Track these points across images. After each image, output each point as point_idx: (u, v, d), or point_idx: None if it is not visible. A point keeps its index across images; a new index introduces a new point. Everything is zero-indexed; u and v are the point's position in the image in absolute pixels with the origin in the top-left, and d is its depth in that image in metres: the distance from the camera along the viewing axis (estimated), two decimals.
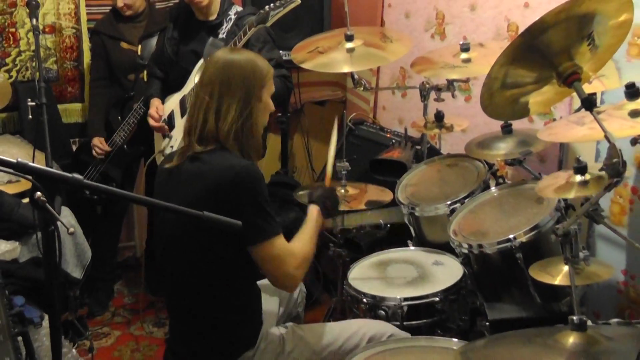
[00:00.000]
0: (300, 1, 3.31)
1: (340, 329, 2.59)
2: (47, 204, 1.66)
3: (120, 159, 4.30)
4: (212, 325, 2.43)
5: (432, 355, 2.40)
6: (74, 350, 3.14)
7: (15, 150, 4.25)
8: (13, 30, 4.60)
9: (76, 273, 3.94)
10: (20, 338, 1.90)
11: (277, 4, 3.31)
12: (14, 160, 1.64)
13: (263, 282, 2.57)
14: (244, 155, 2.45)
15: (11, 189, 3.73)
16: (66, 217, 3.92)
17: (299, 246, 2.47)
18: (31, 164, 1.65)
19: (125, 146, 4.25)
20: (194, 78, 3.67)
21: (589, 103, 1.99)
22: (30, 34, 4.57)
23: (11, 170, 1.65)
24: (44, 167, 1.66)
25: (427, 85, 3.51)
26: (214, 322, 2.42)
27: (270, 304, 2.76)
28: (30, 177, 1.66)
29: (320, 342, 2.54)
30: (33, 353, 1.77)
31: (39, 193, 1.65)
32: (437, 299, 2.76)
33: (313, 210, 2.65)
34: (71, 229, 1.66)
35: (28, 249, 3.57)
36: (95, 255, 4.13)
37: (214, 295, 2.35)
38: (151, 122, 3.83)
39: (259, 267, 2.40)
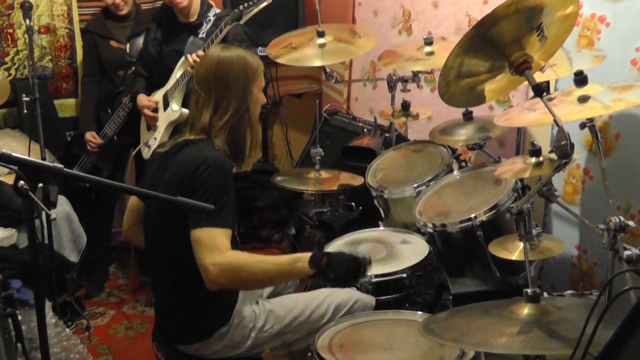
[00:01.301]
0: (270, 0, 3.27)
1: (308, 299, 2.53)
2: (31, 192, 1.63)
3: (111, 149, 4.26)
4: (187, 302, 2.40)
5: (399, 327, 2.39)
6: (67, 330, 3.10)
7: (15, 144, 4.19)
8: (11, 31, 4.53)
9: (73, 257, 3.90)
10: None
11: (250, 2, 3.30)
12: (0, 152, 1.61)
13: None
14: (235, 149, 2.42)
15: (11, 180, 3.67)
16: (62, 205, 3.88)
17: (243, 256, 2.27)
18: (15, 154, 1.62)
19: (115, 138, 4.20)
20: (176, 74, 3.65)
21: (538, 90, 1.96)
22: (27, 34, 4.50)
23: None
24: (26, 157, 1.63)
25: (394, 77, 3.49)
26: (189, 299, 2.38)
27: None
28: (14, 167, 1.63)
29: (289, 314, 2.48)
30: (21, 333, 1.74)
31: (22, 182, 1.62)
32: (405, 275, 2.73)
33: (304, 262, 2.26)
34: (53, 216, 1.63)
35: (26, 236, 3.52)
36: (90, 240, 4.11)
37: (188, 273, 2.29)
38: (147, 112, 3.82)
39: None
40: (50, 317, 2.98)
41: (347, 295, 2.54)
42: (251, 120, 2.48)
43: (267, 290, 2.72)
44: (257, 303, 2.51)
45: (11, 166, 1.62)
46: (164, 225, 2.39)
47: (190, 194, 2.20)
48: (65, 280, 3.83)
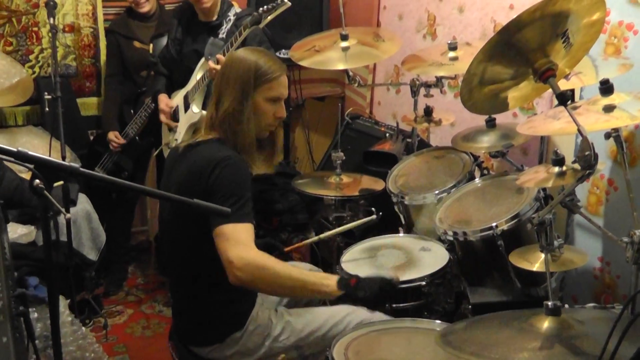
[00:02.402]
0: (290, 4, 3.25)
1: (328, 315, 2.46)
2: (46, 191, 1.62)
3: (132, 149, 4.28)
4: (202, 304, 2.38)
5: (417, 336, 2.33)
6: (83, 328, 3.10)
7: (37, 141, 4.22)
8: (36, 29, 4.57)
9: (92, 255, 3.92)
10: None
11: (270, 6, 3.27)
12: (15, 149, 1.60)
13: None
14: (237, 149, 2.38)
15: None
16: (82, 204, 3.90)
17: (270, 258, 2.24)
18: (31, 152, 1.60)
19: (136, 138, 4.21)
20: (196, 75, 3.65)
21: (562, 98, 1.92)
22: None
23: (12, 159, 1.62)
24: (42, 155, 1.61)
25: (417, 82, 3.45)
26: (204, 301, 2.36)
27: None
28: (30, 166, 1.63)
29: (306, 327, 2.44)
30: (33, 332, 1.73)
31: (37, 180, 1.61)
32: (424, 282, 2.67)
33: (332, 281, 2.24)
34: (68, 215, 1.62)
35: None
36: (110, 239, 4.13)
37: (204, 275, 2.28)
38: (162, 117, 3.82)
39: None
40: (66, 315, 2.98)
41: (369, 315, 2.46)
42: (247, 125, 2.38)
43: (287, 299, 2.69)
44: (276, 311, 2.48)
45: (27, 164, 1.61)
46: (180, 226, 2.37)
47: (208, 195, 2.19)
48: (83, 278, 3.84)
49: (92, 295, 3.97)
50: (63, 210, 1.65)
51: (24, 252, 3.18)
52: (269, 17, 3.28)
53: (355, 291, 2.21)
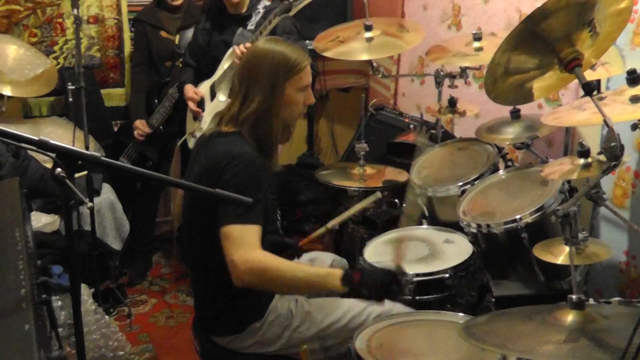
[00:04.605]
0: None
1: (348, 305, 2.44)
2: (67, 180, 1.63)
3: (157, 139, 4.30)
4: (221, 294, 2.37)
5: (440, 328, 2.32)
6: (106, 317, 3.13)
7: (61, 131, 4.25)
8: (60, 20, 4.60)
9: (116, 245, 3.95)
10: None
11: None
12: (37, 138, 1.61)
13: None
14: (259, 144, 2.36)
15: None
16: (106, 193, 3.93)
17: (274, 258, 2.20)
18: (52, 141, 1.61)
19: (161, 127, 4.23)
20: (224, 65, 3.65)
21: (588, 88, 1.88)
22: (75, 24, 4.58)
23: (34, 148, 1.63)
24: (63, 144, 1.62)
25: (441, 73, 3.42)
26: (224, 291, 2.34)
27: None
28: (52, 155, 1.63)
29: (326, 318, 2.42)
30: (55, 321, 1.75)
31: (59, 169, 1.61)
32: (447, 275, 2.66)
33: (336, 279, 2.18)
34: (89, 204, 1.62)
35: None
36: (134, 229, 4.16)
37: (222, 265, 2.27)
38: (191, 105, 3.83)
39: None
40: (90, 304, 3.00)
41: (389, 305, 2.44)
42: (277, 119, 2.38)
43: None
44: (296, 301, 2.46)
45: (49, 153, 1.62)
46: (199, 216, 2.36)
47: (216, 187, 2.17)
48: (108, 267, 3.88)
49: (116, 285, 4.01)
50: (85, 199, 1.64)
51: (48, 240, 3.21)
52: (300, 6, 3.27)
53: (359, 287, 2.17)
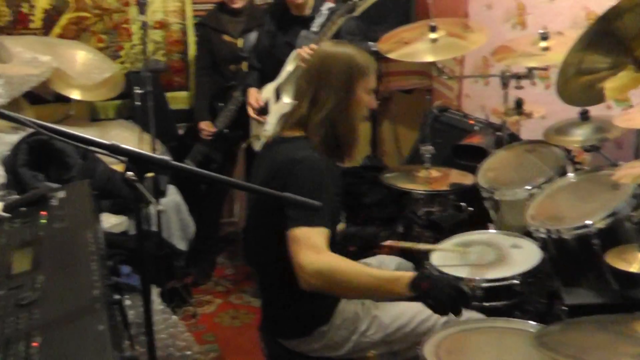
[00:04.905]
0: None
1: (416, 310, 2.40)
2: (138, 183, 1.65)
3: (221, 142, 4.34)
4: (288, 297, 2.36)
5: (509, 336, 2.25)
6: (174, 316, 3.17)
7: (127, 134, 4.33)
8: (126, 26, 4.71)
9: (181, 245, 4.01)
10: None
11: None
12: (109, 143, 1.65)
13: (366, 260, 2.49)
14: (328, 148, 2.35)
15: (123, 169, 3.80)
16: (172, 195, 3.99)
17: (342, 260, 2.17)
18: (123, 146, 1.65)
19: (225, 130, 4.27)
20: (288, 68, 3.67)
21: None
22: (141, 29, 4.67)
23: (106, 152, 1.66)
24: (134, 149, 1.65)
25: (507, 74, 3.37)
26: (290, 294, 2.33)
27: None
28: (123, 158, 1.66)
29: (394, 322, 2.39)
30: (127, 321, 1.78)
31: (130, 172, 1.64)
32: (517, 281, 2.58)
33: (403, 284, 2.14)
34: (160, 207, 1.65)
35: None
36: (199, 229, 4.21)
37: (289, 268, 2.25)
38: (250, 111, 3.87)
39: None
40: (157, 304, 3.05)
41: None
42: (350, 121, 2.38)
43: None
44: (363, 305, 2.44)
45: (120, 157, 1.65)
46: (266, 219, 2.36)
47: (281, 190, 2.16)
48: (173, 267, 3.94)
49: (181, 285, 4.07)
50: (157, 202, 1.67)
51: (117, 241, 3.27)
52: (364, 6, 3.27)
53: (425, 296, 2.12)
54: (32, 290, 1.69)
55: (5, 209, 2.22)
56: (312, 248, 2.15)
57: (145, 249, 3.14)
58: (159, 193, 3.76)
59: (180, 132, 4.76)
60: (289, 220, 2.20)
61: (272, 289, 2.46)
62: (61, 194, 2.34)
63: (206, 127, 4.32)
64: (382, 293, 2.28)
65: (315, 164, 2.27)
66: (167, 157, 1.66)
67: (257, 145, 3.89)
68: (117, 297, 1.73)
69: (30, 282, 1.75)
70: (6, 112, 1.56)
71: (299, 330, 2.39)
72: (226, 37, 4.41)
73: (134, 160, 1.64)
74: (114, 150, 1.63)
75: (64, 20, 4.61)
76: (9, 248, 1.98)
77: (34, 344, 1.47)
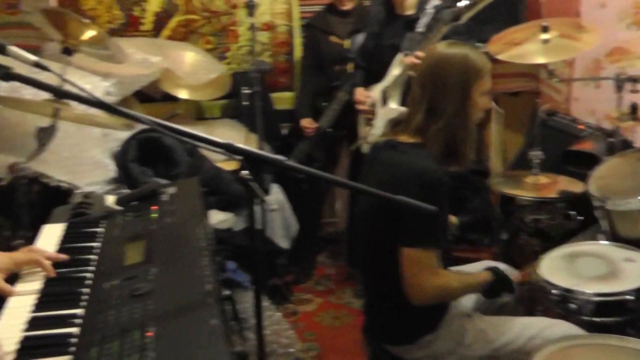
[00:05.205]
0: None
1: (523, 326, 2.35)
2: (252, 182, 1.68)
3: (324, 141, 4.38)
4: (394, 303, 2.33)
5: (623, 356, 2.12)
6: (278, 313, 3.21)
7: (232, 133, 4.42)
8: (234, 28, 4.81)
9: (284, 243, 4.06)
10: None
11: (472, 1, 3.18)
12: (225, 142, 1.67)
13: (465, 267, 2.46)
14: (447, 156, 2.29)
15: (228, 166, 3.89)
16: (276, 194, 4.05)
17: (452, 280, 2.32)
18: (239, 145, 1.67)
19: (328, 130, 4.29)
20: (393, 72, 3.65)
21: None
22: (248, 31, 4.73)
23: (222, 151, 1.69)
24: (250, 148, 1.67)
25: (622, 76, 3.23)
26: (396, 300, 2.30)
27: None
28: (239, 157, 1.69)
29: (500, 338, 2.34)
30: (238, 316, 1.81)
31: (244, 171, 1.67)
32: (631, 297, 2.43)
33: (487, 278, 2.40)
34: (273, 206, 1.67)
35: (241, 220, 3.71)
36: (301, 228, 4.25)
37: (397, 274, 2.25)
38: (360, 107, 3.86)
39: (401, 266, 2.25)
40: (262, 300, 3.08)
41: (565, 327, 2.35)
42: (469, 127, 2.31)
43: (480, 304, 2.60)
44: (470, 317, 2.41)
45: (236, 156, 1.67)
46: (376, 223, 2.34)
47: (401, 207, 2.14)
48: (275, 265, 3.99)
49: (282, 282, 4.11)
50: (269, 200, 1.69)
51: (223, 237, 3.34)
52: (469, 14, 3.21)
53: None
54: (145, 282, 1.75)
55: (118, 202, 2.30)
56: (431, 270, 2.22)
57: (250, 246, 3.22)
58: (263, 191, 3.83)
59: (284, 131, 4.82)
60: (406, 238, 2.20)
61: (379, 294, 2.44)
62: (172, 190, 2.41)
63: (307, 125, 4.37)
64: (476, 291, 2.47)
65: (437, 181, 2.22)
66: (282, 157, 1.67)
67: (365, 148, 3.88)
68: (227, 292, 1.75)
69: (143, 273, 1.80)
70: (129, 111, 1.61)
71: (404, 337, 2.37)
72: (333, 39, 4.43)
73: (249, 159, 1.66)
74: (230, 148, 1.66)
75: (173, 22, 4.75)
76: (122, 240, 2.05)
77: (149, 334, 1.51)
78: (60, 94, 1.64)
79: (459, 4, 3.22)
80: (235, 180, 3.58)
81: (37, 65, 1.60)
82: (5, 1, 4.13)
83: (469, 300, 2.56)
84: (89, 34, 3.10)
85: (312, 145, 4.38)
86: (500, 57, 3.27)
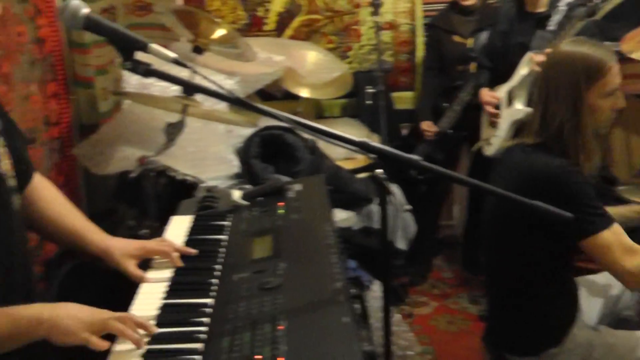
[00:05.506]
0: None
1: None
2: (386, 182, 1.66)
3: (444, 143, 4.32)
4: (519, 312, 2.28)
5: None
6: (397, 315, 3.18)
7: (353, 132, 4.40)
8: (356, 27, 4.82)
9: (401, 244, 4.01)
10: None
11: None
12: (360, 140, 1.67)
13: (587, 278, 2.35)
14: (567, 156, 2.20)
15: (347, 165, 3.89)
16: (396, 195, 4.01)
17: None
18: (374, 143, 1.66)
19: (449, 131, 4.23)
20: (521, 71, 3.55)
21: None
22: (370, 30, 4.77)
23: (356, 148, 1.68)
24: (386, 147, 1.65)
25: None
26: (522, 310, 2.25)
27: (590, 303, 2.45)
28: (373, 156, 1.67)
29: (631, 353, 2.23)
30: (367, 317, 1.80)
31: (379, 170, 1.65)
32: None
33: None
34: (406, 206, 1.64)
35: (360, 219, 3.70)
36: (418, 230, 4.19)
37: (526, 282, 2.16)
38: (488, 108, 3.78)
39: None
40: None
41: None
42: (584, 131, 2.19)
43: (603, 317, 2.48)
44: (598, 331, 2.30)
45: (370, 154, 1.66)
46: (508, 229, 2.27)
47: (565, 206, 2.06)
48: (391, 266, 3.95)
49: (398, 283, 4.08)
50: (401, 200, 1.66)
51: (343, 235, 3.33)
52: (606, 8, 3.08)
53: None
54: (274, 276, 1.76)
55: (243, 197, 2.33)
56: (629, 250, 2.10)
57: (367, 245, 3.21)
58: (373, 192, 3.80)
59: (404, 132, 4.78)
60: (581, 230, 2.11)
61: (505, 301, 2.38)
62: (297, 187, 2.42)
63: (428, 127, 4.32)
64: None
65: (567, 171, 2.15)
66: (418, 157, 1.64)
67: (488, 150, 3.79)
68: (357, 291, 1.74)
69: (272, 267, 1.81)
70: (268, 108, 1.63)
71: (528, 348, 2.29)
72: (456, 38, 4.37)
73: (383, 158, 1.64)
74: (365, 147, 1.65)
75: (296, 22, 4.81)
76: (249, 234, 2.07)
77: (280, 327, 1.51)
78: (200, 92, 1.67)
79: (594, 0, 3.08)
80: (371, 180, 3.57)
81: (176, 62, 1.63)
82: (135, 3, 4.29)
83: (592, 313, 2.44)
84: (220, 32, 3.16)
85: (432, 146, 4.33)
86: (633, 56, 3.12)
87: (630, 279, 2.11)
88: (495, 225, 2.38)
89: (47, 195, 1.97)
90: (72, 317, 1.52)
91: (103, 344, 1.49)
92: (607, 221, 2.11)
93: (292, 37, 4.83)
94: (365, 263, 3.19)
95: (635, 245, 2.11)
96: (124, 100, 3.69)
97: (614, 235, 2.10)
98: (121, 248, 1.91)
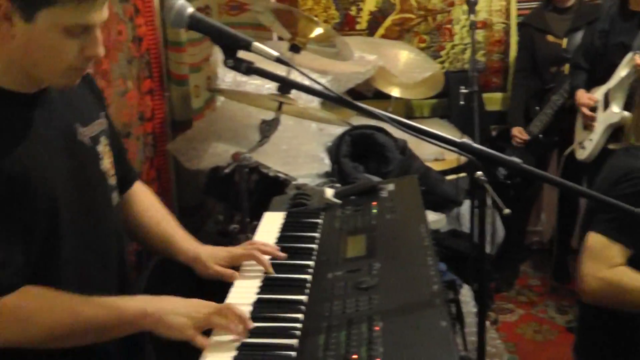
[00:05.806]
0: None
1: None
2: (486, 184, 1.63)
3: (534, 147, 4.22)
4: (609, 329, 2.19)
5: None
6: (487, 321, 3.13)
7: (445, 133, 4.36)
8: (449, 26, 4.76)
9: (488, 249, 3.96)
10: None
11: None
12: (460, 140, 1.64)
13: None
14: None
15: (437, 166, 3.86)
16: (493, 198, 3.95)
17: (629, 275, 2.02)
18: (475, 144, 1.63)
19: (540, 136, 4.12)
20: (620, 73, 3.43)
21: None
22: (463, 29, 4.71)
23: (457, 149, 1.66)
24: (486, 149, 1.63)
25: None
26: (610, 327, 2.16)
27: None
28: (472, 157, 1.65)
29: None
30: (463, 321, 1.77)
31: (479, 172, 1.62)
32: None
33: None
34: (506, 210, 1.61)
35: (448, 221, 3.67)
36: (505, 235, 4.13)
37: None
38: (584, 110, 3.67)
39: None
40: (471, 306, 3.03)
41: None
42: None
43: None
44: None
45: (469, 155, 1.63)
46: None
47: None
48: (478, 270, 3.89)
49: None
50: (502, 205, 1.63)
51: (433, 237, 3.31)
52: None
53: None
54: (369, 276, 1.75)
55: (336, 196, 2.34)
56: (606, 262, 2.02)
57: (457, 247, 3.17)
58: (462, 193, 3.75)
59: (493, 133, 4.70)
60: (597, 223, 2.07)
61: (595, 314, 2.29)
62: (390, 187, 2.40)
63: (519, 134, 4.23)
64: None
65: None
66: (519, 160, 1.60)
67: (581, 154, 3.69)
68: (454, 295, 1.72)
69: (366, 267, 1.80)
70: (369, 107, 1.62)
71: None
72: (550, 38, 4.24)
73: (484, 160, 1.61)
74: (465, 148, 1.62)
75: (388, 21, 4.80)
76: (342, 233, 2.07)
77: (376, 328, 1.50)
78: (303, 90, 1.69)
79: None
80: (470, 182, 3.53)
81: (279, 60, 1.65)
82: (229, 3, 4.35)
83: None
84: (317, 31, 3.17)
85: (522, 151, 4.24)
86: None
87: (584, 285, 2.05)
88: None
89: (145, 200, 1.99)
90: (178, 312, 1.54)
91: (205, 343, 1.51)
92: (623, 237, 2.02)
93: (384, 36, 4.81)
94: (453, 266, 3.15)
95: (613, 262, 2.02)
96: (217, 98, 3.76)
97: (611, 248, 2.03)
98: (210, 255, 1.91)
